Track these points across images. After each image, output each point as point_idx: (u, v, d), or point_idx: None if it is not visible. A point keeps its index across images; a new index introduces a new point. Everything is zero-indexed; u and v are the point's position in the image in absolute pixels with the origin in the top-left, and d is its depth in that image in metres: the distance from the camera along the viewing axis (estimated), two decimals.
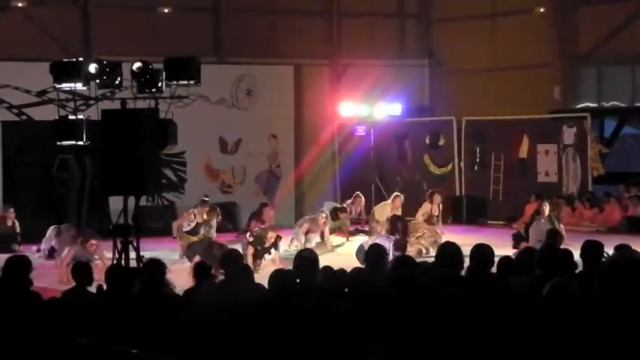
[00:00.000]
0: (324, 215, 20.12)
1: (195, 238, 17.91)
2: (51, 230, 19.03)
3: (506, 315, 6.70)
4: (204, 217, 18.31)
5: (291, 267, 8.22)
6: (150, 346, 7.20)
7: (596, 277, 6.91)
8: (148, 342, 7.27)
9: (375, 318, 6.75)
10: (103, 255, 16.23)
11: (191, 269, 9.26)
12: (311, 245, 18.98)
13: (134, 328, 7.58)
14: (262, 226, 17.94)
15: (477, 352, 6.42)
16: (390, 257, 14.00)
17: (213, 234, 18.40)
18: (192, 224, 18.41)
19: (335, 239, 20.61)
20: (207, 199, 19.36)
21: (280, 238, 17.73)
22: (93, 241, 16.43)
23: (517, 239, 17.93)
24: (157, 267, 8.42)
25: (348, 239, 21.35)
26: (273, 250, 17.25)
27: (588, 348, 6.05)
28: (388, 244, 15.12)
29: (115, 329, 7.62)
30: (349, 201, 23.34)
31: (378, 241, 15.46)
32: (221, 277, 9.07)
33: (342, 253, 18.64)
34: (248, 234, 17.79)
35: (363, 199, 23.21)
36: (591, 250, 8.39)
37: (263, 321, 7.04)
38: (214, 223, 18.76)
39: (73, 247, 16.56)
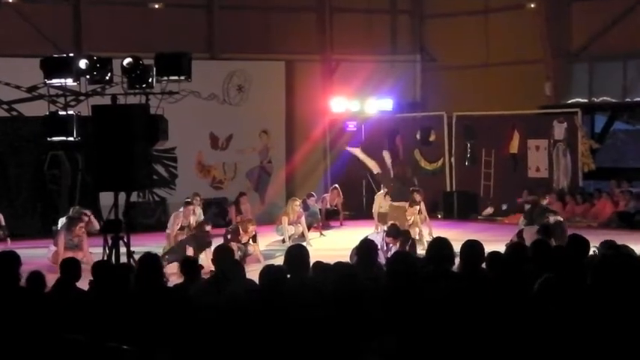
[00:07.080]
0: (298, 203, 20.41)
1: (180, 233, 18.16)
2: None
3: (497, 311, 6.70)
4: (191, 219, 18.55)
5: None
6: (143, 342, 7.18)
7: (583, 271, 6.92)
8: (141, 338, 7.25)
9: (366, 314, 6.74)
10: (94, 224, 16.73)
11: (179, 265, 9.22)
12: (291, 233, 19.69)
13: (128, 325, 7.56)
14: (240, 219, 18.08)
15: (469, 348, 6.42)
16: (381, 249, 14.19)
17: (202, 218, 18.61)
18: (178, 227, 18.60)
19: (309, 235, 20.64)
20: (188, 199, 19.48)
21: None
22: (81, 224, 16.84)
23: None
24: (153, 261, 8.39)
25: (321, 234, 21.39)
26: (251, 243, 17.15)
27: (579, 343, 6.06)
28: (379, 239, 15.13)
29: (107, 325, 7.59)
30: (327, 194, 23.55)
31: (370, 236, 15.48)
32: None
33: (336, 248, 18.57)
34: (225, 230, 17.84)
35: (340, 193, 23.61)
36: (576, 245, 8.39)
37: (254, 317, 7.03)
38: (198, 210, 19.02)
39: (62, 233, 16.82)
